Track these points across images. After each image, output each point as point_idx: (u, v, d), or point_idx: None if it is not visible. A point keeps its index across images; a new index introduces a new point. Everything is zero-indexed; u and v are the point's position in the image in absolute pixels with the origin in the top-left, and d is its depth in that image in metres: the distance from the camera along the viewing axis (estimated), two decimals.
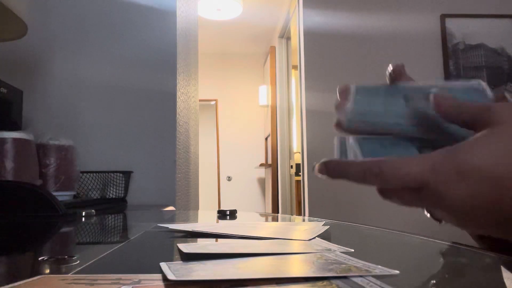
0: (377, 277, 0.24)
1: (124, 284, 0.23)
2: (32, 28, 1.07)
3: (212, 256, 0.31)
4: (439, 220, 0.35)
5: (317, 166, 0.34)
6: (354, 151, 0.35)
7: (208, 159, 4.75)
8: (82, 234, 0.60)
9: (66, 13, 1.38)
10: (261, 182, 4.99)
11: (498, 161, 0.29)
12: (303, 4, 2.53)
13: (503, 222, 0.30)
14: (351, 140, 0.36)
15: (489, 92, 0.35)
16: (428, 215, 0.35)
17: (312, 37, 2.50)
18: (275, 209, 3.89)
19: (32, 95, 1.30)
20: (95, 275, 0.26)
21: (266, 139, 4.72)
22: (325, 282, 0.24)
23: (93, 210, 0.76)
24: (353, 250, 0.33)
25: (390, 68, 0.39)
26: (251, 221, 0.75)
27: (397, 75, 0.39)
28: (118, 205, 1.20)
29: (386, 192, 0.33)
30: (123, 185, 1.25)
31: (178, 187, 1.41)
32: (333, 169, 0.33)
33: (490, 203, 0.29)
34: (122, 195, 1.25)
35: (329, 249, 0.34)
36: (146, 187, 1.33)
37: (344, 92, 0.38)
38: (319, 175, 0.34)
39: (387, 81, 0.40)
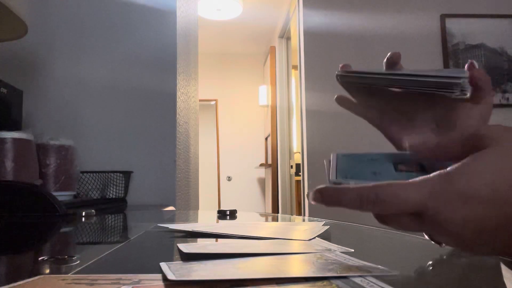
0: (377, 277, 0.24)
1: (124, 284, 0.23)
2: (32, 28, 1.07)
3: (212, 256, 0.31)
4: (439, 243, 0.35)
5: (311, 194, 0.32)
6: (330, 168, 0.35)
7: (208, 159, 4.75)
8: (82, 234, 0.60)
9: (66, 14, 1.38)
10: (261, 182, 4.99)
11: (501, 181, 0.28)
12: (303, 4, 2.53)
13: (510, 243, 0.29)
14: (332, 157, 0.37)
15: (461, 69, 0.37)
16: (427, 237, 0.34)
17: (312, 37, 2.50)
18: (275, 209, 3.89)
19: (32, 95, 1.30)
20: (95, 275, 0.26)
21: (266, 139, 4.72)
22: (325, 282, 0.24)
23: (93, 210, 0.76)
24: (353, 250, 0.33)
25: (388, 55, 0.41)
26: (251, 221, 0.75)
27: (393, 63, 0.40)
28: (118, 205, 1.20)
29: (382, 217, 0.32)
30: (123, 185, 1.25)
31: (178, 187, 1.41)
32: (328, 197, 0.32)
33: (496, 225, 0.28)
34: (122, 195, 1.25)
35: (329, 249, 0.34)
36: (146, 187, 1.33)
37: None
38: (314, 203, 0.33)
39: (384, 67, 0.41)
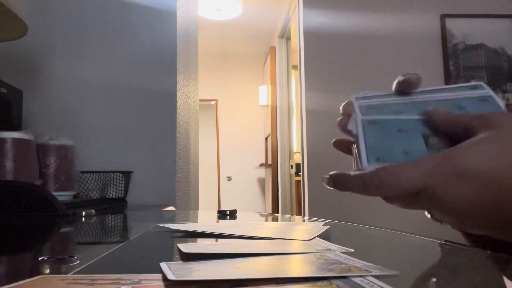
0: (377, 277, 0.24)
1: (124, 284, 0.23)
2: (32, 28, 1.07)
3: (212, 256, 0.31)
4: (440, 221, 0.36)
5: (325, 179, 0.35)
6: (359, 143, 0.34)
7: (208, 159, 4.75)
8: (82, 234, 0.60)
9: (66, 13, 1.38)
10: (261, 182, 4.99)
11: (496, 162, 0.29)
12: (303, 4, 2.53)
13: (503, 224, 0.30)
14: (358, 121, 0.35)
15: (500, 102, 0.35)
16: (429, 216, 0.35)
17: (312, 37, 2.50)
18: (275, 209, 3.89)
19: (32, 95, 1.30)
20: (95, 275, 0.26)
21: (266, 139, 4.72)
22: (325, 282, 0.24)
23: (93, 210, 0.76)
24: (353, 250, 0.33)
25: (401, 78, 0.39)
26: (251, 221, 0.75)
27: (407, 87, 0.38)
28: (118, 205, 1.20)
29: (388, 198, 0.34)
30: (123, 185, 1.25)
31: (178, 187, 1.41)
32: (337, 182, 0.34)
33: (489, 204, 0.29)
34: (122, 195, 1.25)
35: (329, 249, 0.34)
36: (146, 187, 1.33)
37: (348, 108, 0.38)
38: (328, 187, 0.35)
39: (393, 88, 0.39)
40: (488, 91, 0.36)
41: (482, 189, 0.29)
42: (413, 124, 0.35)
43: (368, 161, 0.33)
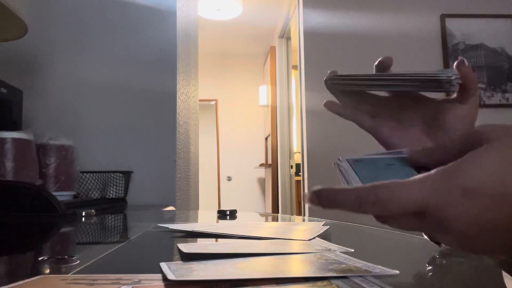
0: (377, 277, 0.24)
1: (124, 284, 0.23)
2: (32, 28, 1.07)
3: (212, 256, 0.31)
4: (438, 243, 0.34)
5: (308, 196, 0.31)
6: (349, 175, 0.34)
7: (208, 159, 4.75)
8: (82, 234, 0.60)
9: (66, 14, 1.38)
10: (261, 182, 4.99)
11: (507, 173, 0.26)
12: (303, 4, 2.53)
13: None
14: (344, 164, 0.35)
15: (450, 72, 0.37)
16: (426, 237, 0.33)
17: (312, 37, 2.50)
18: (275, 209, 3.89)
19: (32, 95, 1.30)
20: (95, 275, 0.26)
21: (266, 139, 4.72)
22: (325, 282, 0.24)
23: (93, 210, 0.76)
24: (353, 250, 0.33)
25: (380, 59, 0.41)
26: (251, 221, 0.75)
27: (385, 67, 0.40)
28: (118, 205, 1.20)
29: (382, 217, 0.30)
30: (123, 185, 1.25)
31: (178, 187, 1.41)
32: (325, 199, 0.29)
33: (500, 222, 0.26)
34: (122, 195, 1.25)
35: (329, 249, 0.34)
36: (146, 187, 1.33)
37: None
38: (311, 205, 0.31)
39: (374, 70, 0.41)
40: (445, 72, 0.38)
41: (492, 207, 0.26)
42: (399, 160, 0.35)
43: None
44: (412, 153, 0.33)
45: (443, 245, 0.34)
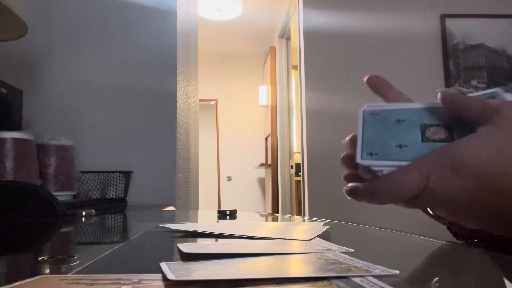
0: (377, 277, 0.24)
1: (124, 284, 0.23)
2: (32, 28, 1.07)
3: (212, 256, 0.31)
4: (438, 219, 0.36)
5: (346, 191, 0.37)
6: (358, 139, 0.36)
7: (208, 159, 4.75)
8: (82, 234, 0.60)
9: (66, 13, 1.38)
10: (261, 182, 4.99)
11: (490, 159, 0.29)
12: (303, 4, 2.53)
13: (500, 220, 0.30)
14: (360, 112, 0.37)
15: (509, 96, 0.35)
16: (429, 214, 0.36)
17: (312, 37, 2.50)
18: (275, 209, 3.88)
19: (32, 95, 1.30)
20: (95, 275, 0.26)
21: (266, 139, 4.72)
22: (325, 282, 0.24)
23: (93, 210, 0.76)
24: (353, 250, 0.33)
25: (364, 80, 0.40)
26: (251, 221, 0.75)
27: (376, 88, 0.39)
28: (118, 205, 1.20)
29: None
30: (123, 185, 1.25)
31: (178, 187, 1.41)
32: (351, 193, 0.36)
33: (486, 200, 0.29)
34: (122, 195, 1.25)
35: (329, 249, 0.34)
36: (146, 187, 1.33)
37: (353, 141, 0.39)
38: (349, 197, 0.37)
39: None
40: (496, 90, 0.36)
41: (478, 184, 0.29)
42: (412, 114, 0.35)
43: (361, 157, 0.34)
44: (447, 92, 0.34)
45: (442, 220, 0.36)
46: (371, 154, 0.34)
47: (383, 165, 0.34)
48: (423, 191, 0.31)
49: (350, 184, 0.35)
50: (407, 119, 0.34)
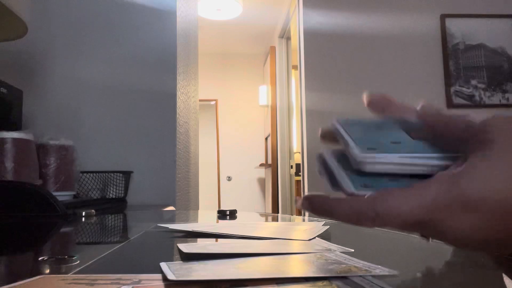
0: (377, 277, 0.24)
1: (124, 284, 0.23)
2: (32, 28, 1.07)
3: (212, 256, 0.31)
4: (427, 238, 0.33)
5: (300, 201, 0.29)
6: (344, 137, 0.31)
7: (208, 159, 4.75)
8: (82, 234, 0.60)
9: (66, 13, 1.38)
10: (261, 182, 4.99)
11: (508, 191, 0.25)
12: (303, 4, 2.53)
13: None
14: (335, 123, 0.32)
15: None
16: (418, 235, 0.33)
17: (312, 37, 2.50)
18: (275, 209, 3.88)
19: (32, 95, 1.30)
20: (95, 275, 0.26)
21: (266, 139, 4.72)
22: (325, 282, 0.24)
23: (93, 210, 0.76)
24: (353, 250, 0.33)
25: (366, 99, 0.34)
26: (251, 221, 0.75)
27: (380, 108, 0.33)
28: (118, 205, 1.20)
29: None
30: (123, 185, 1.25)
31: (178, 187, 1.41)
32: (319, 207, 0.28)
33: (503, 233, 0.26)
34: (122, 195, 1.25)
35: (329, 249, 0.34)
36: (146, 187, 1.33)
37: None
38: (302, 209, 0.30)
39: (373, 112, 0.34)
40: None
41: (494, 221, 0.25)
42: (391, 123, 0.32)
43: (360, 150, 0.29)
44: (426, 107, 0.30)
45: (431, 240, 0.33)
46: (366, 146, 0.29)
47: (391, 160, 0.29)
48: (421, 222, 0.27)
49: (312, 194, 0.29)
50: (388, 126, 0.32)
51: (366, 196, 0.27)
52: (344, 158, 0.31)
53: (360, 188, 0.29)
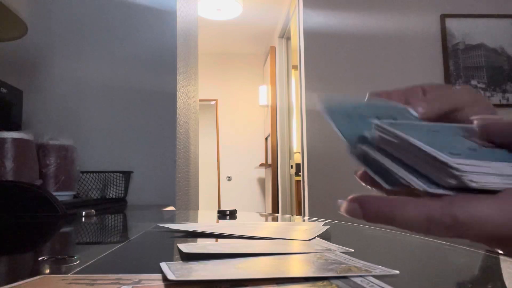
0: (377, 277, 0.24)
1: (124, 284, 0.23)
2: (32, 28, 1.07)
3: (212, 256, 0.31)
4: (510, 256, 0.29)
5: (345, 205, 0.23)
6: (394, 134, 0.24)
7: (208, 159, 4.75)
8: (82, 234, 0.60)
9: (66, 13, 1.38)
10: (261, 182, 4.99)
11: None
12: (303, 4, 2.53)
13: None
14: (385, 125, 0.25)
15: None
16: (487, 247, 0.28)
17: (312, 37, 2.50)
18: (275, 209, 3.88)
19: (32, 95, 1.30)
20: (95, 275, 0.26)
21: (266, 139, 4.72)
22: (325, 282, 0.24)
23: (93, 210, 0.76)
24: (353, 250, 0.33)
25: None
26: (251, 221, 0.75)
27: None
28: (118, 205, 1.20)
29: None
30: (123, 185, 1.25)
31: (178, 187, 1.41)
32: (375, 211, 0.22)
33: None
34: (122, 195, 1.25)
35: (329, 249, 0.34)
36: (146, 187, 1.33)
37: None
38: (350, 216, 0.24)
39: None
40: None
41: None
42: (442, 127, 0.27)
43: (446, 155, 0.22)
44: (485, 123, 0.25)
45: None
46: (451, 154, 0.22)
47: (500, 171, 0.22)
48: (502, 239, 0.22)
49: (361, 196, 0.23)
50: (441, 130, 0.27)
51: (442, 198, 0.21)
52: (387, 155, 0.25)
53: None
